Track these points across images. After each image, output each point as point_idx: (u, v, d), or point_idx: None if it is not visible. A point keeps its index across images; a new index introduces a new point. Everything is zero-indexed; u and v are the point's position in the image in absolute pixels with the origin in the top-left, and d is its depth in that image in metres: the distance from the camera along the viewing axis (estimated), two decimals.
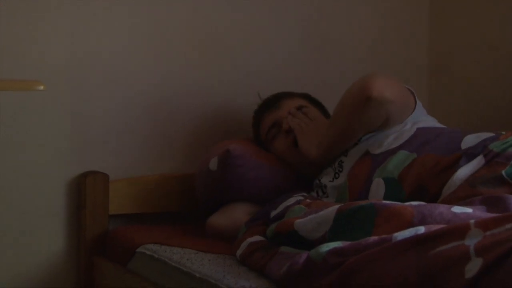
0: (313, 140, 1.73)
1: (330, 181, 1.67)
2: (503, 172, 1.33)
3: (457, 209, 1.21)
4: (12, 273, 1.78)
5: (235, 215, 1.67)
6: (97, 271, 1.78)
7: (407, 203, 1.26)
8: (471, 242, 1.02)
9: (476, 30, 2.10)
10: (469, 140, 1.48)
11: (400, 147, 1.55)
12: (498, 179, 1.33)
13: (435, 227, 1.12)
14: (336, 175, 1.67)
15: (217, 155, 1.73)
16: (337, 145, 1.67)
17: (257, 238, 1.44)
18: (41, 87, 1.34)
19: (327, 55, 2.15)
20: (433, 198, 1.39)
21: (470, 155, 1.43)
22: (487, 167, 1.38)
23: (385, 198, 1.45)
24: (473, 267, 0.97)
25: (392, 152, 1.55)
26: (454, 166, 1.41)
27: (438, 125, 1.73)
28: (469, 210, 1.21)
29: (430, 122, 1.73)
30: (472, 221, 1.07)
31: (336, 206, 1.32)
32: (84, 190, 1.80)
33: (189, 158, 1.93)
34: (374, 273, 1.09)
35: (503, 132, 1.50)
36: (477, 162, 1.41)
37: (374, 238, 1.16)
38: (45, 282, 1.81)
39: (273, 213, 1.51)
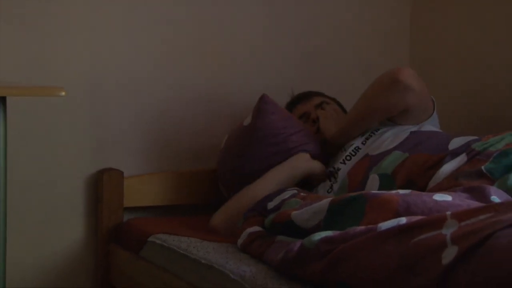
0: (333, 124, 1.78)
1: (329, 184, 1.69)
2: (482, 167, 1.34)
3: (438, 196, 1.21)
4: (39, 258, 1.79)
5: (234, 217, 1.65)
6: (113, 258, 1.79)
7: (394, 192, 1.27)
8: (447, 231, 1.02)
9: (454, 40, 2.09)
10: (456, 142, 1.50)
11: (395, 148, 1.56)
12: (478, 173, 1.34)
13: (415, 218, 1.12)
14: (333, 179, 1.68)
15: (251, 112, 1.75)
16: (353, 126, 1.71)
17: (255, 228, 1.44)
18: (63, 93, 1.31)
19: (317, 60, 2.14)
20: (420, 190, 1.38)
21: (454, 154, 1.44)
22: (469, 163, 1.39)
23: (378, 190, 1.46)
24: (449, 254, 0.97)
25: (388, 152, 1.56)
26: (440, 163, 1.43)
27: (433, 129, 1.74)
28: (449, 197, 1.21)
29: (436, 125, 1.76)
30: (448, 212, 1.07)
31: (329, 198, 1.32)
32: (101, 185, 1.80)
33: (195, 157, 1.93)
34: (359, 261, 1.09)
35: (479, 138, 1.51)
36: (460, 159, 1.42)
37: (361, 228, 1.15)
38: (67, 267, 1.82)
39: (270, 205, 1.50)
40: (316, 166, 1.73)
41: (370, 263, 1.07)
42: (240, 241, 1.43)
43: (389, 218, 1.16)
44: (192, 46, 1.96)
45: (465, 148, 1.45)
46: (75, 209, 1.82)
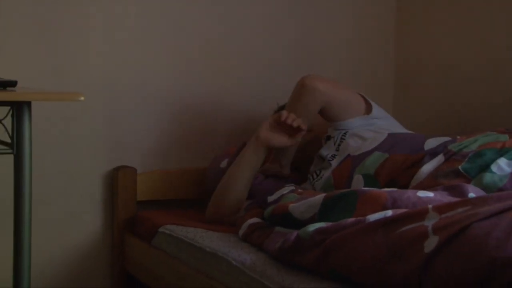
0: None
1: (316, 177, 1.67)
2: (459, 167, 1.33)
3: (421, 193, 1.21)
4: (62, 246, 1.80)
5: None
6: (127, 246, 1.79)
7: (383, 189, 1.27)
8: (429, 223, 1.02)
9: (437, 52, 2.08)
10: (431, 143, 1.48)
11: (375, 149, 1.54)
12: (456, 173, 1.33)
13: (400, 210, 1.12)
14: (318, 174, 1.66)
15: (227, 157, 1.75)
16: None
17: (255, 220, 1.44)
18: (81, 98, 1.30)
19: (308, 65, 2.10)
20: (402, 188, 1.37)
21: (432, 154, 1.43)
22: (447, 163, 1.38)
23: None
24: (430, 243, 0.98)
25: (368, 153, 1.54)
26: (419, 163, 1.42)
27: (404, 130, 1.72)
28: (431, 194, 1.21)
29: (397, 126, 1.72)
30: (430, 206, 1.07)
31: (324, 194, 1.32)
32: (116, 181, 1.81)
33: (202, 156, 1.93)
34: (349, 251, 1.09)
35: (458, 137, 1.50)
36: (438, 159, 1.41)
37: (351, 219, 1.15)
38: (87, 254, 1.83)
39: (270, 199, 1.50)
40: (274, 137, 1.63)
41: (359, 252, 1.07)
42: (241, 232, 1.43)
43: (378, 211, 1.15)
44: (200, 52, 1.95)
45: (442, 149, 1.44)
46: (93, 202, 1.83)
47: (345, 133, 1.66)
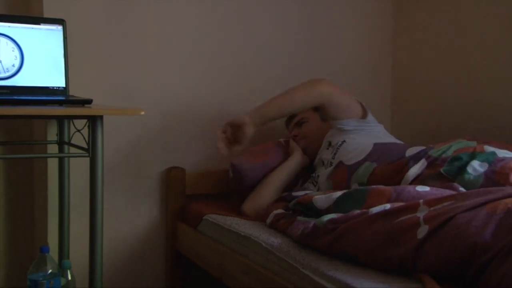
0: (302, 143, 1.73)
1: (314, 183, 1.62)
2: (441, 170, 1.30)
3: (419, 188, 1.20)
4: (127, 229, 1.80)
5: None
6: (178, 231, 1.80)
7: (387, 187, 1.25)
8: (421, 214, 1.02)
9: (429, 72, 2.04)
10: (411, 151, 1.44)
11: (364, 159, 1.49)
12: (439, 175, 1.30)
13: (397, 204, 1.11)
14: (314, 182, 1.62)
15: (231, 169, 1.73)
16: (272, 107, 1.52)
17: (280, 210, 1.44)
18: (142, 112, 1.35)
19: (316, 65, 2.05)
20: None
21: (415, 159, 1.39)
22: (430, 168, 1.34)
23: None
24: (422, 231, 0.98)
25: (360, 163, 1.49)
26: (404, 167, 1.38)
27: (388, 138, 1.64)
28: (427, 188, 1.20)
29: (382, 135, 1.63)
30: (421, 200, 1.07)
31: (344, 190, 1.31)
32: (170, 178, 1.81)
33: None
34: (356, 236, 1.09)
35: (431, 145, 1.44)
36: (422, 163, 1.37)
37: (357, 211, 1.15)
38: (146, 237, 1.83)
39: (296, 194, 1.49)
40: (305, 159, 1.69)
41: (362, 239, 1.08)
42: (268, 220, 1.43)
43: (384, 203, 1.15)
44: (233, 70, 1.91)
45: (423, 154, 1.39)
46: (152, 196, 1.83)
47: (342, 142, 1.60)
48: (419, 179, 1.32)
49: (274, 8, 1.97)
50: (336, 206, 1.27)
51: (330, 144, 1.65)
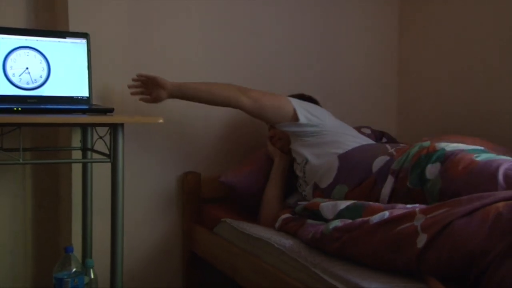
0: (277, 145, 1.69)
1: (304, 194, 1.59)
2: (408, 184, 1.27)
3: (409, 205, 1.16)
4: (146, 230, 1.81)
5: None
6: (194, 232, 1.80)
7: (380, 204, 1.23)
8: (418, 222, 1.02)
9: (432, 83, 2.04)
10: (376, 165, 1.39)
11: (335, 181, 1.44)
12: (408, 190, 1.27)
13: (396, 212, 1.10)
14: (304, 194, 1.59)
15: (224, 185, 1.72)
16: (192, 90, 1.52)
17: (287, 215, 1.44)
18: (160, 120, 1.37)
19: (328, 86, 2.05)
20: None
21: (382, 176, 1.35)
22: (398, 183, 1.31)
23: None
24: (421, 239, 0.98)
25: (332, 186, 1.45)
26: (374, 186, 1.35)
27: (345, 137, 1.53)
28: (416, 205, 1.16)
29: (337, 135, 1.54)
30: (417, 209, 1.06)
31: (348, 202, 1.29)
32: (186, 182, 1.82)
33: None
34: (360, 247, 1.10)
35: (394, 152, 1.40)
36: (390, 180, 1.33)
37: (359, 220, 1.15)
38: (164, 237, 1.83)
39: (300, 203, 1.45)
40: (286, 159, 1.65)
41: (367, 248, 1.08)
42: (277, 225, 1.42)
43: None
44: (246, 83, 1.83)
45: (387, 170, 1.34)
46: (169, 198, 1.84)
47: (306, 163, 1.55)
48: (394, 197, 1.30)
49: (288, 22, 2.00)
50: (338, 216, 1.26)
51: (296, 160, 1.61)
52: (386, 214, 1.11)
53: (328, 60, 2.08)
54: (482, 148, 1.29)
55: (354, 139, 1.56)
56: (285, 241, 1.31)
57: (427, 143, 1.33)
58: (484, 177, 1.12)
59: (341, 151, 1.50)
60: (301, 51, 2.02)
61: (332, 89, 2.08)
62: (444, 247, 0.95)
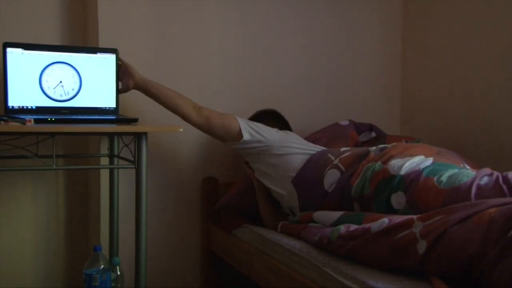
0: None
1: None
2: (374, 211, 1.24)
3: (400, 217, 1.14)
4: (167, 230, 1.81)
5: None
6: (211, 233, 1.80)
7: (379, 214, 1.20)
8: (416, 229, 1.01)
9: (433, 93, 2.02)
10: (327, 180, 1.37)
11: (303, 208, 1.43)
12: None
13: (394, 220, 1.09)
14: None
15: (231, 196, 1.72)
16: (154, 90, 1.51)
17: (283, 222, 1.45)
18: (181, 129, 1.38)
19: (342, 109, 2.05)
20: None
21: (347, 203, 1.31)
22: (364, 210, 1.28)
23: None
24: (421, 246, 0.98)
25: (301, 209, 1.44)
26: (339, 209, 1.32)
27: (290, 150, 1.51)
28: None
29: (285, 149, 1.51)
30: (415, 216, 1.05)
31: (342, 212, 1.28)
32: (205, 187, 1.83)
33: None
34: (364, 255, 1.10)
35: (339, 164, 1.36)
36: (357, 207, 1.30)
37: (360, 228, 1.14)
38: (186, 237, 1.84)
39: (292, 218, 1.45)
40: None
41: (371, 255, 1.08)
42: (278, 229, 1.44)
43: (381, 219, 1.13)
44: (259, 94, 1.90)
45: (348, 197, 1.30)
46: (190, 202, 1.84)
47: (269, 188, 1.54)
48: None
49: (301, 39, 1.99)
50: (337, 223, 1.25)
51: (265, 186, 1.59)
52: (386, 221, 1.10)
53: (337, 75, 2.07)
54: (430, 161, 1.23)
55: (297, 146, 1.53)
56: (294, 243, 1.31)
57: (379, 166, 1.28)
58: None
59: (292, 173, 1.48)
60: (310, 67, 2.02)
61: (341, 101, 2.07)
62: (443, 252, 0.95)
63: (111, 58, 1.56)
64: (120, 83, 1.55)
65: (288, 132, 1.64)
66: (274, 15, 1.94)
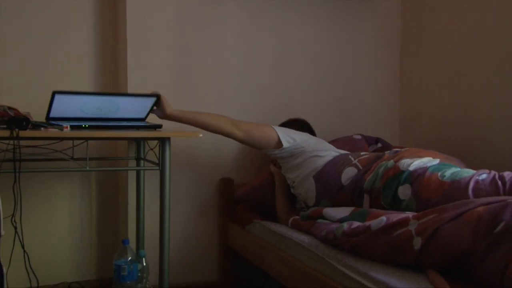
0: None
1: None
2: (382, 203, 1.28)
3: (407, 213, 1.16)
4: (188, 227, 1.82)
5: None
6: (228, 229, 1.81)
7: (382, 210, 1.23)
8: (412, 227, 1.02)
9: (432, 104, 1.97)
10: (344, 176, 1.40)
11: (318, 199, 1.45)
12: (384, 208, 1.27)
13: (392, 218, 1.10)
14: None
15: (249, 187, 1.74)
16: (189, 120, 1.50)
17: (295, 217, 1.45)
18: (200, 135, 1.39)
19: (345, 116, 2.03)
20: None
21: (356, 193, 1.34)
22: (373, 201, 1.31)
23: None
24: (417, 242, 0.99)
25: (317, 203, 1.46)
26: (354, 202, 1.35)
27: (315, 154, 1.53)
28: (408, 212, 1.17)
29: (310, 155, 1.54)
30: (410, 215, 1.07)
31: (351, 208, 1.30)
32: (222, 187, 1.83)
33: None
34: (366, 251, 1.11)
35: (358, 163, 1.38)
36: (366, 198, 1.33)
37: (362, 225, 1.15)
38: (202, 232, 1.84)
39: (304, 212, 1.45)
40: (283, 177, 1.62)
41: (372, 251, 1.09)
42: (289, 225, 1.45)
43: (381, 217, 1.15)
44: (273, 101, 1.91)
45: (359, 187, 1.33)
46: (208, 200, 1.85)
47: (293, 183, 1.56)
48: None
49: (308, 50, 2.00)
50: (344, 220, 1.26)
51: (288, 178, 1.61)
52: (384, 220, 1.11)
53: (340, 85, 2.05)
54: (437, 161, 1.28)
55: (326, 151, 1.56)
56: (303, 237, 1.33)
57: (391, 163, 1.32)
58: (456, 198, 1.11)
59: (314, 172, 1.51)
60: (315, 76, 2.01)
61: (343, 108, 2.06)
62: (437, 248, 0.96)
63: (151, 100, 1.47)
64: (154, 107, 1.51)
65: (319, 138, 1.67)
66: (281, 28, 1.94)
